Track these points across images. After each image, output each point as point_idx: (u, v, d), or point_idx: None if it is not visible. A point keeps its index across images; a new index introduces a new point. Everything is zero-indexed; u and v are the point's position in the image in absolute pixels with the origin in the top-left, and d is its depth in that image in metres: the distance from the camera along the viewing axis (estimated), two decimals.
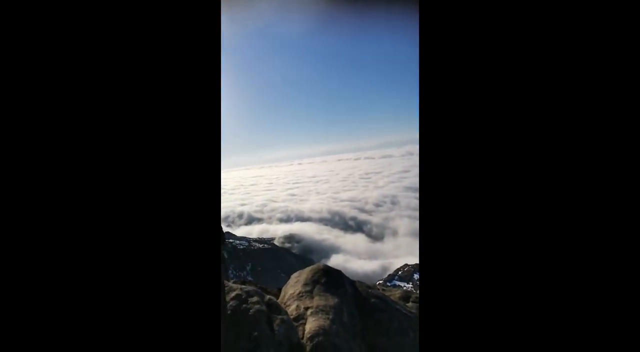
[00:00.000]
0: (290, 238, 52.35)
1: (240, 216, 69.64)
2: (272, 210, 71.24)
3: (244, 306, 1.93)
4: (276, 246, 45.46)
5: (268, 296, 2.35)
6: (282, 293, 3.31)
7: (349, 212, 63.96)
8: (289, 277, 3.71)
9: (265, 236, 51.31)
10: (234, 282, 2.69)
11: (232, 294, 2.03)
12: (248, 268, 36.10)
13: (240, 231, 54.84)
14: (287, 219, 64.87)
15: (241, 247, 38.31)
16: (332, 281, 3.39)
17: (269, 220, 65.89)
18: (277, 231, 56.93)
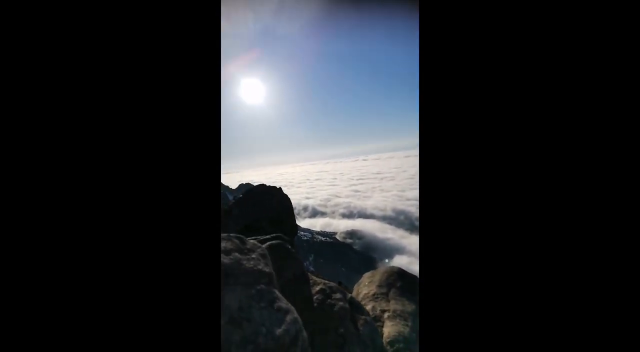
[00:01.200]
0: (352, 234, 52.44)
1: (305, 208, 72.97)
2: (336, 205, 72.46)
3: (328, 301, 1.99)
4: (338, 240, 46.16)
5: (349, 295, 2.37)
6: (355, 292, 3.31)
7: (416, 212, 60.33)
8: (349, 272, 3.68)
9: (327, 230, 52.62)
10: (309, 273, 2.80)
11: (317, 288, 2.11)
12: (310, 259, 37.72)
13: (304, 223, 57.57)
14: (349, 215, 65.12)
15: (305, 238, 40.19)
16: (408, 285, 3.23)
17: (332, 214, 67.27)
18: (339, 225, 57.73)
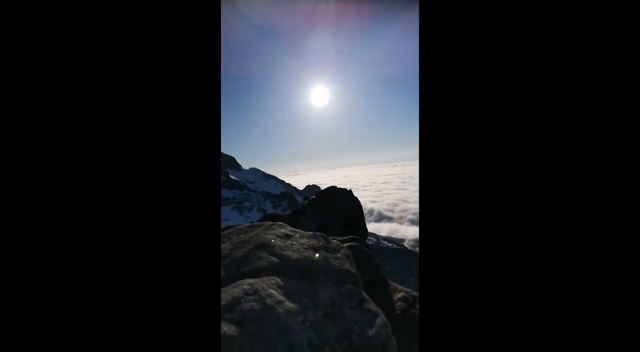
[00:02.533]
0: None
1: (371, 212, 71.58)
2: (404, 210, 68.98)
3: (412, 310, 1.91)
4: (406, 248, 43.72)
5: None
6: None
7: None
8: (417, 283, 3.41)
9: (394, 236, 50.39)
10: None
11: (399, 295, 2.05)
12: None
13: (369, 227, 56.31)
14: (419, 222, 61.02)
15: (370, 243, 39.44)
16: None
17: (400, 220, 64.24)
18: (407, 232, 54.68)
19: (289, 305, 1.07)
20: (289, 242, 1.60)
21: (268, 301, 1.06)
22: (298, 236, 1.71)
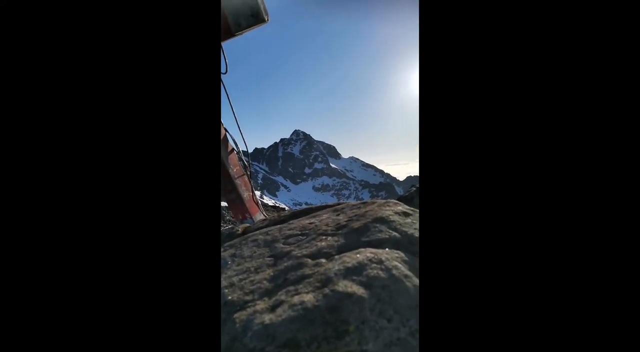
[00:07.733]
0: None
1: None
2: None
3: None
4: None
5: None
6: None
7: None
8: None
9: None
10: None
11: None
12: None
13: None
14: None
15: None
16: None
17: None
18: None
19: (417, 281, 0.98)
20: (409, 220, 1.48)
21: (394, 272, 0.99)
22: (418, 215, 1.58)
